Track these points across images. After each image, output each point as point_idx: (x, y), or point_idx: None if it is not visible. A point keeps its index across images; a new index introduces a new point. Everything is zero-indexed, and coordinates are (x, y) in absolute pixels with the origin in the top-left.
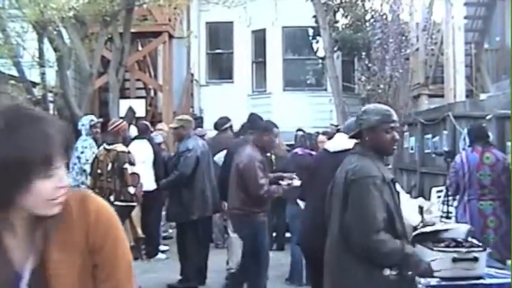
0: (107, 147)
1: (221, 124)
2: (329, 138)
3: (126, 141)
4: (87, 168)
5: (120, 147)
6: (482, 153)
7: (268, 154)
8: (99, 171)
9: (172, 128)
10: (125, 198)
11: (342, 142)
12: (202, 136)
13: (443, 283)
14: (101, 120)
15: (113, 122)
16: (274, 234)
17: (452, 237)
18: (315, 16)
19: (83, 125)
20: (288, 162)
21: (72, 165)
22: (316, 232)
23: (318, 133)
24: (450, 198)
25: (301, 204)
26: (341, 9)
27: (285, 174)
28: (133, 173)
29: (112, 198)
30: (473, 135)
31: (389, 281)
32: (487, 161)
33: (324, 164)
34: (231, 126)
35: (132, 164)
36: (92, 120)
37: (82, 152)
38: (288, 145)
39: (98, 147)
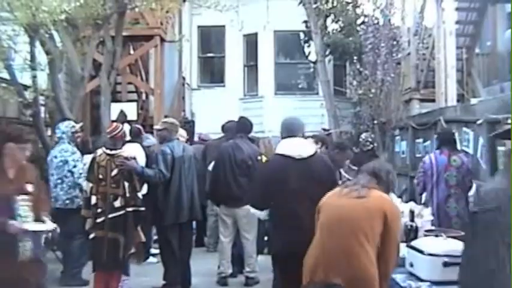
0: (109, 152)
1: (229, 128)
2: (316, 142)
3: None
4: (81, 182)
5: (126, 152)
6: (449, 156)
7: (259, 157)
8: (100, 176)
9: (157, 130)
10: (136, 203)
11: (305, 147)
12: (206, 141)
13: (434, 287)
14: (81, 124)
15: (114, 128)
16: (266, 238)
17: None
18: (305, 22)
19: (63, 132)
20: None
21: (62, 179)
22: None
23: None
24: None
25: None
26: (332, 14)
27: None
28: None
29: (117, 203)
30: (441, 140)
31: None
32: (454, 163)
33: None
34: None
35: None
36: (73, 126)
37: (75, 166)
38: None
39: (83, 152)
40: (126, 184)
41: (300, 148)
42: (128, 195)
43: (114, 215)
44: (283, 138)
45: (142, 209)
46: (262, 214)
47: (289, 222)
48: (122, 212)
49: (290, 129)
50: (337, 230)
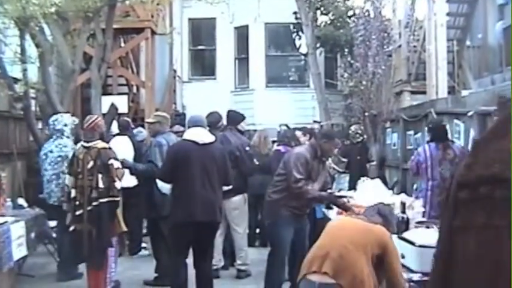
0: (85, 144)
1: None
2: (305, 134)
3: (104, 137)
4: None
5: (100, 144)
6: (444, 149)
7: (247, 148)
8: (78, 169)
9: (149, 123)
10: (113, 194)
11: (206, 135)
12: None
13: (426, 278)
14: (79, 119)
15: (88, 119)
16: (257, 230)
17: None
18: (295, 13)
19: (65, 125)
20: (271, 159)
21: (58, 175)
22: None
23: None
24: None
25: None
26: (322, 7)
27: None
28: (118, 168)
29: (94, 195)
30: (434, 134)
31: None
32: (448, 157)
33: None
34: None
35: (116, 159)
36: (74, 121)
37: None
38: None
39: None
40: (100, 176)
41: (203, 136)
42: (101, 186)
43: (90, 207)
44: (189, 127)
45: (118, 198)
46: (168, 187)
47: (190, 195)
48: (96, 204)
49: (196, 121)
50: (337, 232)
